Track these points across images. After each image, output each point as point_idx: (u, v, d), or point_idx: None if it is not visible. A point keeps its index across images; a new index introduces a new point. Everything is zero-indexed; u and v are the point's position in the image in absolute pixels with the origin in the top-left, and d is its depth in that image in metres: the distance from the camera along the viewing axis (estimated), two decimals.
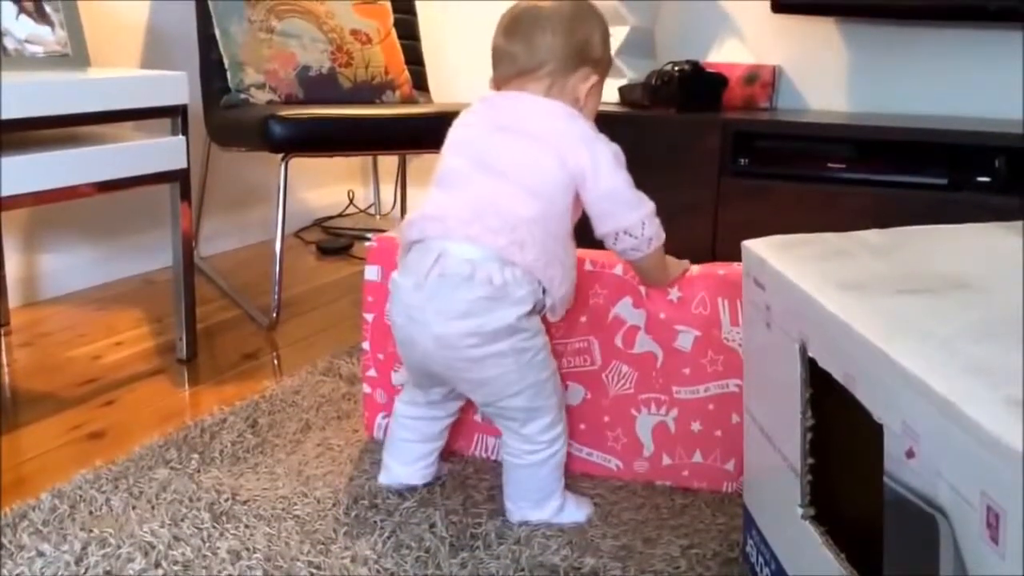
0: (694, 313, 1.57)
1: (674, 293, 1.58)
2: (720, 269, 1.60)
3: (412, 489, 1.58)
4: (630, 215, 1.44)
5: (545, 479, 1.48)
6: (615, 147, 1.46)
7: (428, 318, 1.38)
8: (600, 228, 1.46)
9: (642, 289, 1.59)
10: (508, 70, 1.51)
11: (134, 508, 1.50)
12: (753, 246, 1.26)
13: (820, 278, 1.09)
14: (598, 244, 1.51)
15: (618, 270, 1.60)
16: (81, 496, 1.53)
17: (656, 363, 1.60)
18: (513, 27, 1.51)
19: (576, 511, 1.51)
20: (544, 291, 1.41)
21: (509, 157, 1.44)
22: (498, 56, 1.53)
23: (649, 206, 1.46)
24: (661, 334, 1.59)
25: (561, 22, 1.49)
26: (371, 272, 1.72)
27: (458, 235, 1.38)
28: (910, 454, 0.83)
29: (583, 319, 1.61)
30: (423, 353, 1.42)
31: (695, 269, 1.61)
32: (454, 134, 1.53)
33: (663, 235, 1.48)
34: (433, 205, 1.45)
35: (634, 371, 1.61)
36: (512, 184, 1.41)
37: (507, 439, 1.49)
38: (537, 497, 1.49)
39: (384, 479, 1.59)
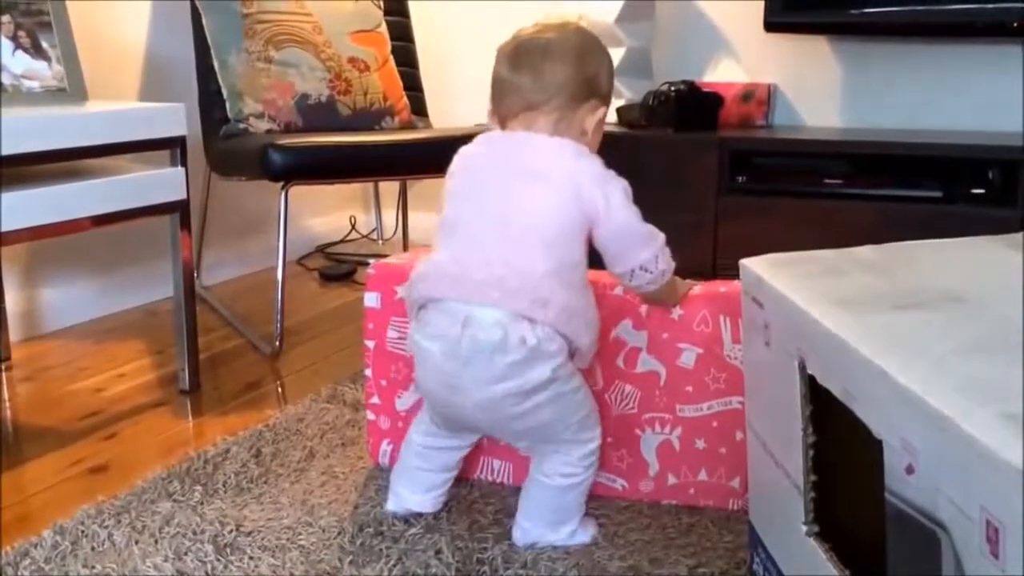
0: (696, 331, 1.57)
1: (676, 311, 1.58)
2: (721, 287, 1.60)
3: (418, 515, 1.57)
4: (644, 252, 1.44)
5: (570, 502, 1.49)
6: (624, 183, 1.45)
7: (466, 385, 1.37)
8: (616, 267, 1.46)
9: (643, 309, 1.59)
10: (515, 103, 1.48)
11: (137, 543, 1.49)
12: (751, 264, 1.26)
13: (817, 295, 1.09)
14: (597, 262, 1.50)
15: (618, 291, 1.59)
16: (83, 532, 1.52)
17: (659, 382, 1.59)
18: (519, 58, 1.48)
19: (583, 533, 1.51)
20: (570, 342, 1.40)
21: (524, 207, 1.41)
22: (502, 88, 1.49)
23: (660, 239, 1.46)
24: (663, 354, 1.59)
25: (571, 54, 1.47)
26: (371, 299, 1.72)
27: (478, 299, 1.36)
28: (909, 470, 0.83)
29: None
30: (463, 415, 1.43)
31: (697, 288, 1.60)
32: (461, 178, 1.50)
33: (673, 265, 1.49)
34: (447, 262, 1.42)
35: (637, 391, 1.60)
36: (528, 235, 1.39)
37: (543, 461, 1.48)
38: (555, 519, 1.48)
39: (392, 506, 1.58)
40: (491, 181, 1.46)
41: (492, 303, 1.35)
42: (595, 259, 1.48)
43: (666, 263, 1.46)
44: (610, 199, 1.41)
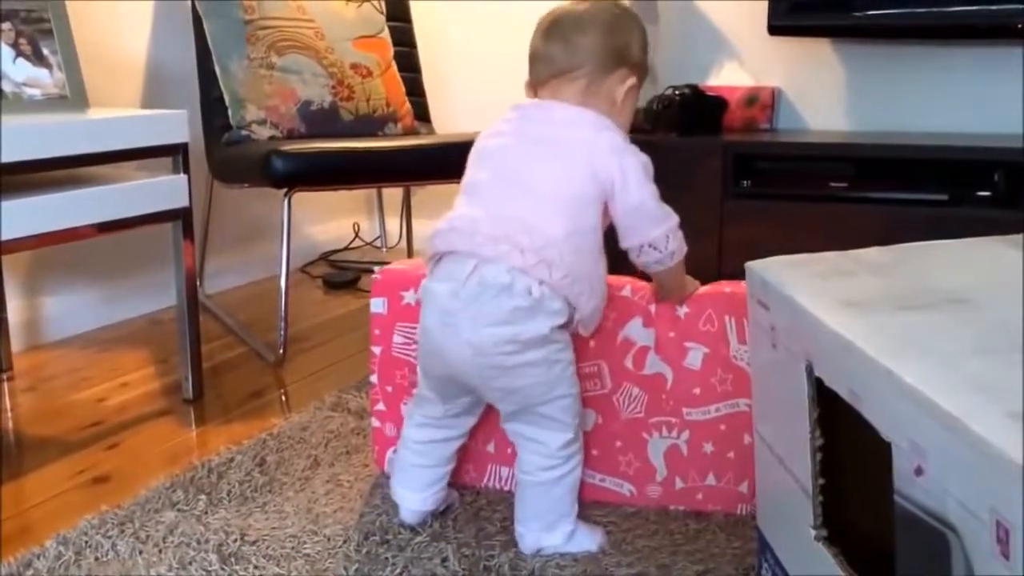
0: (702, 330, 1.57)
1: (681, 310, 1.58)
2: (726, 287, 1.60)
3: (424, 522, 1.56)
4: (656, 229, 1.45)
5: (559, 499, 1.47)
6: (645, 158, 1.47)
7: (463, 324, 1.39)
8: (625, 241, 1.47)
9: (651, 308, 1.58)
10: (545, 71, 1.52)
11: (141, 553, 1.48)
12: (756, 267, 1.25)
13: (823, 297, 1.09)
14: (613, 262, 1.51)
15: (626, 291, 1.60)
16: (87, 542, 1.51)
17: (666, 385, 1.58)
18: (552, 29, 1.52)
19: (588, 539, 1.49)
20: (573, 307, 1.42)
21: (540, 172, 1.44)
22: (535, 58, 1.54)
23: (674, 220, 1.47)
24: (671, 354, 1.58)
25: (601, 24, 1.50)
26: (377, 305, 1.71)
27: (487, 252, 1.38)
28: (918, 471, 0.82)
29: (592, 343, 1.60)
30: (455, 360, 1.42)
31: (703, 288, 1.61)
32: (485, 143, 1.53)
33: (685, 249, 1.50)
34: (462, 218, 1.45)
35: (644, 393, 1.60)
36: (542, 201, 1.42)
37: (524, 456, 1.48)
38: (550, 519, 1.47)
39: (403, 513, 1.57)
40: (511, 146, 1.49)
41: (501, 257, 1.37)
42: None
43: (676, 245, 1.48)
44: (627, 174, 1.43)
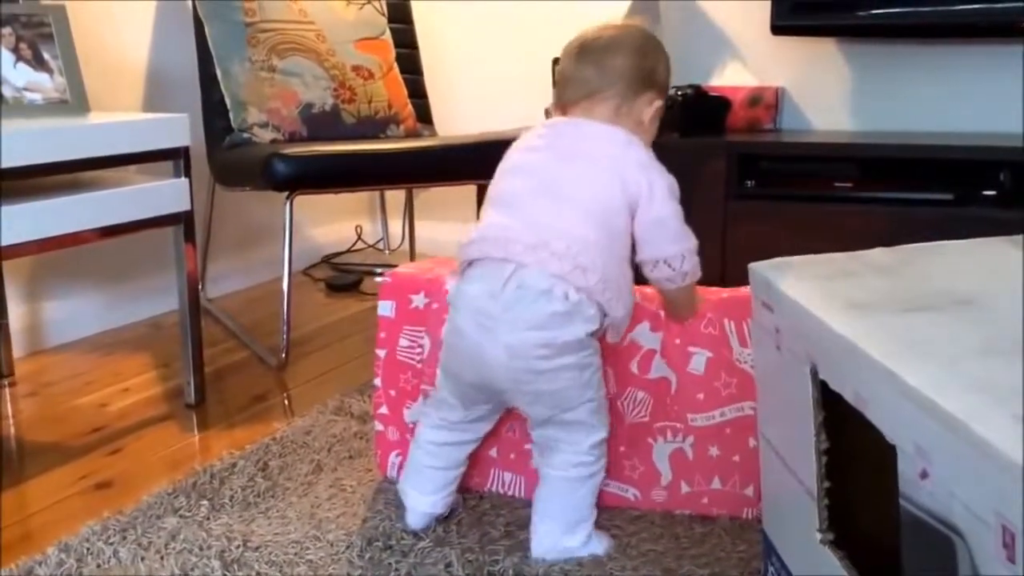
0: (704, 333, 1.57)
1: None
2: (724, 292, 1.62)
3: (428, 527, 1.56)
4: (672, 247, 1.47)
5: (583, 499, 1.48)
6: (671, 178, 1.50)
7: (501, 327, 1.39)
8: (642, 253, 1.49)
9: (660, 312, 1.59)
10: (576, 92, 1.56)
11: (143, 559, 1.48)
12: (760, 268, 1.25)
13: (827, 299, 1.09)
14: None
15: (635, 297, 1.58)
16: (88, 549, 1.50)
17: (671, 389, 1.58)
18: (584, 53, 1.56)
19: (600, 544, 1.49)
20: (604, 313, 1.43)
21: (573, 181, 1.47)
22: (566, 80, 1.58)
23: (692, 242, 1.50)
24: (675, 358, 1.58)
25: (631, 48, 1.55)
26: (384, 308, 1.70)
27: (525, 259, 1.40)
28: (924, 475, 0.82)
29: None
30: (489, 362, 1.42)
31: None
32: (515, 157, 1.55)
33: (699, 273, 1.52)
34: (494, 227, 1.46)
35: (649, 397, 1.59)
36: (576, 208, 1.44)
37: (554, 455, 1.48)
38: (571, 519, 1.47)
39: (411, 520, 1.57)
40: (542, 160, 1.52)
41: (537, 263, 1.39)
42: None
43: (691, 267, 1.49)
44: (653, 188, 1.46)
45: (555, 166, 1.49)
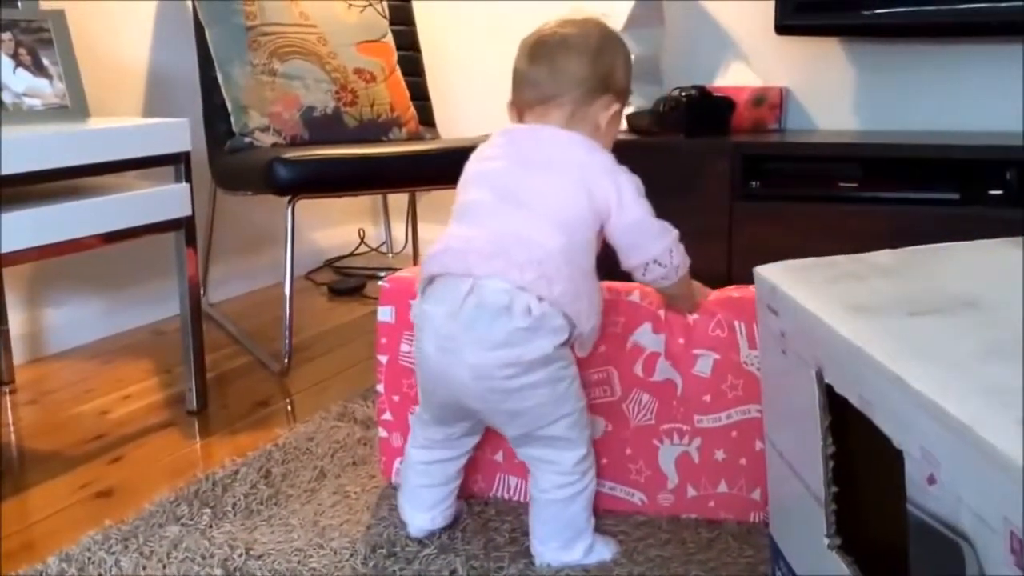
0: (711, 335, 1.55)
1: (691, 316, 1.56)
2: (734, 292, 1.59)
3: (432, 534, 1.54)
4: (657, 245, 1.44)
5: (576, 515, 1.45)
6: (636, 178, 1.46)
7: (463, 348, 1.36)
8: (628, 261, 1.46)
9: (661, 313, 1.57)
10: (530, 95, 1.51)
11: (144, 568, 1.46)
12: (765, 272, 1.24)
13: (833, 302, 1.08)
14: (612, 274, 1.49)
15: (635, 296, 1.58)
16: (90, 558, 1.49)
17: (676, 391, 1.56)
18: (537, 51, 1.51)
19: (605, 550, 1.48)
20: (573, 325, 1.39)
21: (534, 190, 1.42)
22: (520, 80, 1.53)
23: (674, 233, 1.46)
24: (680, 360, 1.56)
25: (587, 49, 1.49)
26: (384, 313, 1.69)
27: (482, 270, 1.36)
28: (931, 480, 0.81)
29: (602, 348, 1.57)
30: (456, 385, 1.39)
31: (714, 294, 1.59)
32: (474, 167, 1.52)
33: (688, 260, 1.49)
34: (456, 238, 1.43)
35: (655, 400, 1.58)
36: (538, 216, 1.40)
37: (538, 475, 1.46)
38: (568, 535, 1.45)
39: (412, 530, 1.56)
40: (503, 169, 1.47)
41: (497, 273, 1.35)
42: (604, 268, 1.47)
43: (680, 258, 1.47)
44: (622, 192, 1.42)
45: (516, 174, 1.45)
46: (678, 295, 1.54)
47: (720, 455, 1.56)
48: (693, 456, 1.57)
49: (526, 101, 1.52)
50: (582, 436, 1.44)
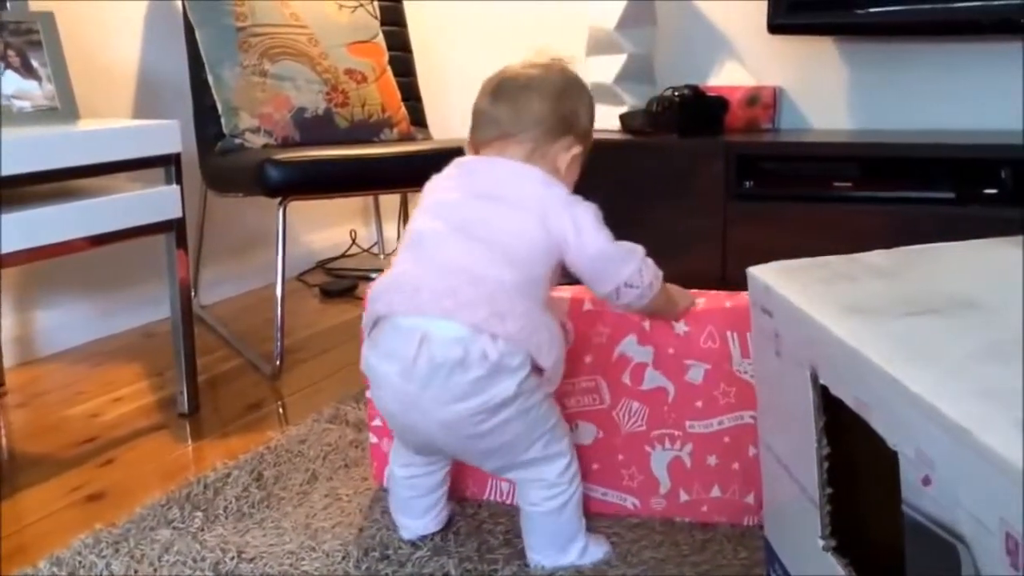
0: (703, 347, 1.53)
1: (680, 328, 1.53)
2: (727, 301, 1.55)
3: (425, 537, 1.54)
4: (626, 268, 1.41)
5: (567, 522, 1.44)
6: (593, 206, 1.43)
7: (427, 406, 1.32)
8: (599, 289, 1.44)
9: (646, 324, 1.54)
10: (489, 133, 1.48)
11: (136, 572, 1.45)
12: (758, 273, 1.23)
13: (827, 303, 1.07)
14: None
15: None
16: (80, 562, 1.48)
17: (667, 398, 1.55)
18: (500, 91, 1.49)
19: (599, 550, 1.47)
20: (533, 359, 1.34)
21: (489, 223, 1.39)
22: (480, 119, 1.50)
23: (640, 251, 1.43)
24: (671, 369, 1.54)
25: (550, 90, 1.48)
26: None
27: (432, 310, 1.31)
28: (926, 481, 0.81)
29: (588, 359, 1.56)
30: (428, 436, 1.38)
31: (701, 302, 1.56)
32: (429, 199, 1.48)
33: (660, 272, 1.45)
34: (405, 274, 1.38)
35: (645, 407, 1.56)
36: (491, 249, 1.36)
37: (525, 490, 1.44)
38: (562, 541, 1.44)
39: (405, 535, 1.55)
40: (457, 200, 1.44)
41: (447, 314, 1.30)
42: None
43: (652, 274, 1.43)
44: (580, 225, 1.39)
45: (471, 206, 1.42)
46: (661, 309, 1.50)
47: (713, 460, 1.55)
48: (685, 461, 1.56)
49: (484, 139, 1.49)
50: (561, 447, 1.42)
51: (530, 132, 1.45)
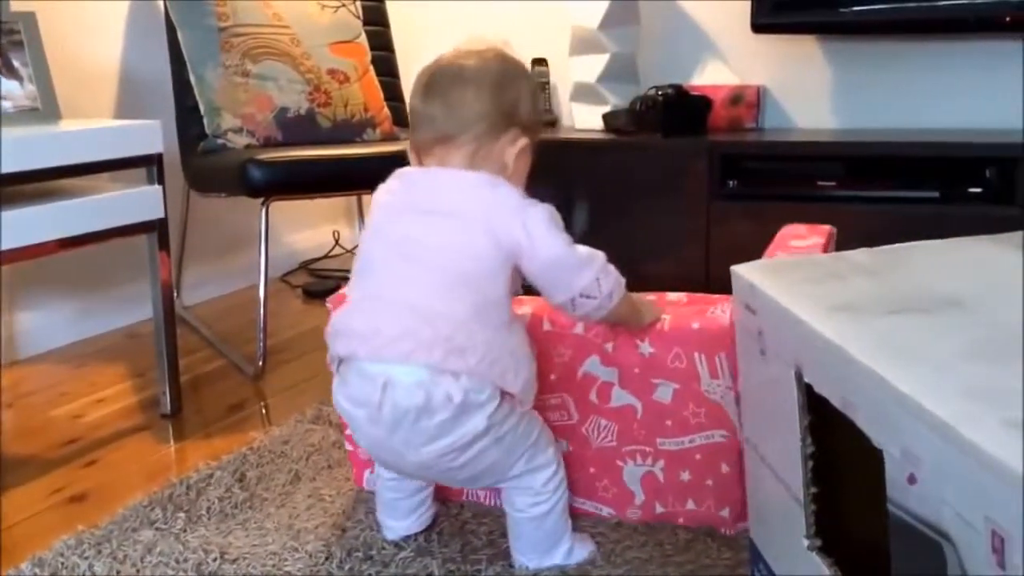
0: (670, 367, 1.49)
1: (645, 348, 1.49)
2: (694, 322, 1.48)
3: (409, 538, 1.53)
4: (581, 277, 1.34)
5: (554, 526, 1.43)
6: (547, 209, 1.35)
7: (399, 448, 1.31)
8: (555, 298, 1.37)
9: (608, 346, 1.51)
10: (426, 134, 1.40)
11: (118, 573, 1.45)
12: (742, 271, 1.22)
13: (812, 301, 1.07)
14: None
15: (579, 329, 1.52)
16: (63, 564, 1.47)
17: (636, 415, 1.53)
18: (432, 87, 1.40)
19: (584, 550, 1.47)
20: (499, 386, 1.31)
21: (436, 245, 1.32)
22: (415, 118, 1.43)
23: (599, 260, 1.36)
24: (638, 387, 1.52)
25: (486, 81, 1.38)
26: None
27: (391, 355, 1.27)
28: (912, 480, 0.81)
29: (553, 377, 1.55)
30: (406, 471, 1.39)
31: (667, 319, 1.50)
32: (375, 216, 1.42)
33: (623, 281, 1.39)
34: (360, 313, 1.35)
35: (614, 424, 1.54)
36: (443, 276, 1.30)
37: (511, 496, 1.43)
38: (547, 545, 1.44)
39: (389, 535, 1.54)
40: (401, 221, 1.37)
41: (405, 358, 1.26)
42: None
43: (611, 284, 1.36)
44: (532, 230, 1.31)
45: (414, 225, 1.35)
46: (624, 320, 1.46)
47: (686, 476, 1.53)
48: (658, 476, 1.54)
49: (423, 142, 1.41)
50: (545, 457, 1.41)
51: (470, 131, 1.36)
